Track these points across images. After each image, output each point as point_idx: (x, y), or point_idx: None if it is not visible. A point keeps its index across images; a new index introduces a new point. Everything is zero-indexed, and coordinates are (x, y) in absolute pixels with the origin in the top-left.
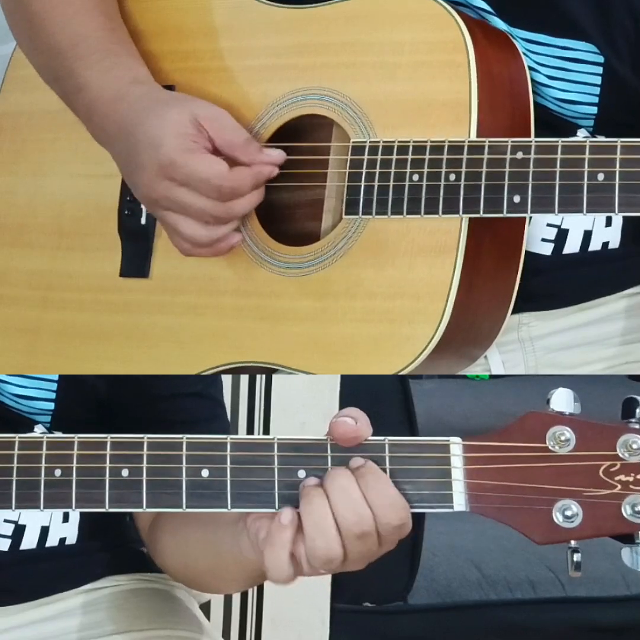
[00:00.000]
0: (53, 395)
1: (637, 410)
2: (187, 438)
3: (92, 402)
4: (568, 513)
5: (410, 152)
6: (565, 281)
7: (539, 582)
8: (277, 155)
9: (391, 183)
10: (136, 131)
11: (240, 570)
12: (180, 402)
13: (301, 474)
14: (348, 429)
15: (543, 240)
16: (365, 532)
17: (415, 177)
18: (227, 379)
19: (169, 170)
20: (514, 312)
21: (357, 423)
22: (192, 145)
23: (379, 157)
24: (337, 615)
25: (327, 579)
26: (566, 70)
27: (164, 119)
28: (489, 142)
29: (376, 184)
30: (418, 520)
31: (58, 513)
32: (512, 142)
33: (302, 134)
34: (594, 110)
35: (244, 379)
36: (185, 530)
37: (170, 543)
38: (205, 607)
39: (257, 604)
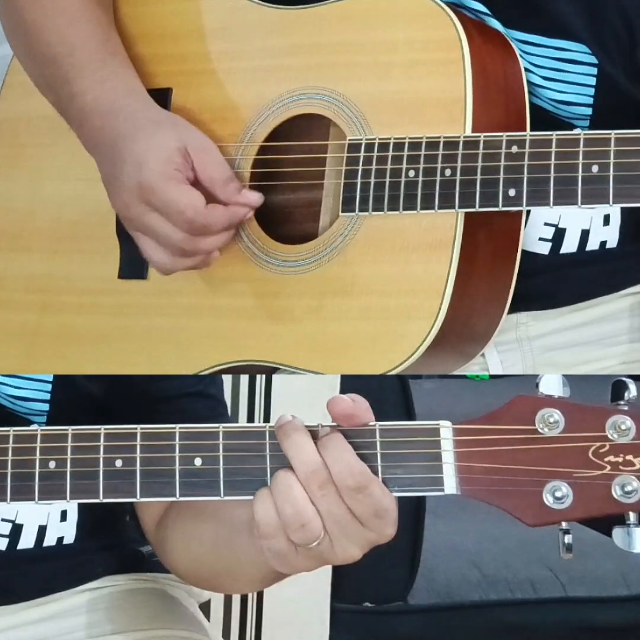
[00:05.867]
0: (48, 396)
1: (626, 393)
2: (180, 428)
3: (87, 403)
4: (558, 494)
5: (406, 149)
6: (562, 281)
7: (539, 582)
8: (255, 199)
9: (387, 179)
10: (124, 148)
11: (257, 571)
12: (181, 402)
13: None
14: (346, 406)
15: (540, 239)
16: (324, 480)
17: (411, 173)
18: (227, 379)
19: (147, 194)
20: (512, 311)
21: (354, 403)
22: (175, 173)
23: (375, 154)
24: (337, 615)
25: (327, 579)
26: (561, 71)
27: (152, 142)
28: (484, 136)
29: (372, 180)
30: (417, 520)
31: (56, 512)
32: (507, 136)
33: (298, 134)
34: (588, 111)
35: (244, 379)
36: (197, 531)
37: (181, 543)
38: (205, 607)
39: (257, 604)
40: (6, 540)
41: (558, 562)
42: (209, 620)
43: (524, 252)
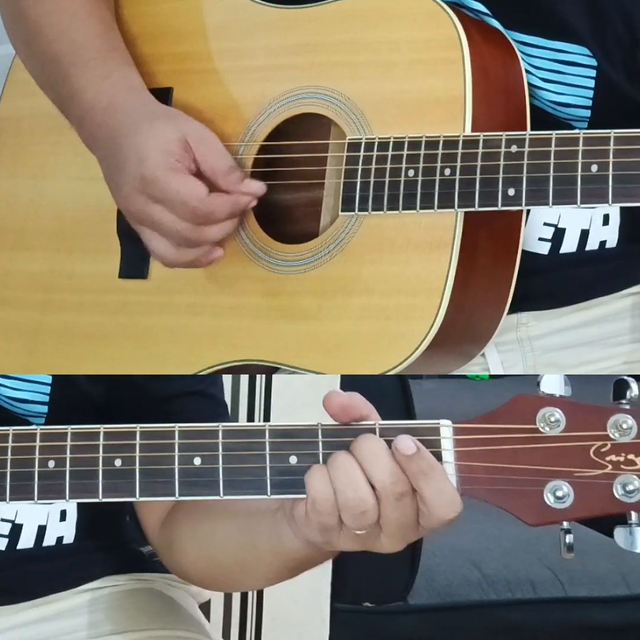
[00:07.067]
0: (46, 398)
1: (628, 392)
2: (179, 427)
3: (86, 404)
4: (559, 494)
5: (405, 148)
6: (562, 281)
7: (539, 582)
8: (258, 187)
9: (387, 179)
10: (124, 142)
11: (276, 561)
12: (181, 402)
13: (292, 460)
14: (341, 399)
15: (540, 239)
16: (403, 492)
17: (411, 173)
18: (227, 379)
19: (149, 186)
20: (512, 312)
21: (350, 395)
22: (175, 164)
23: (375, 153)
24: (337, 615)
25: (327, 579)
26: (560, 73)
27: (152, 134)
28: (484, 136)
29: (372, 180)
30: None
31: (55, 512)
32: (506, 135)
33: (299, 134)
34: (587, 113)
35: (244, 379)
36: (210, 525)
37: (192, 540)
38: (205, 607)
39: (257, 604)
40: (6, 540)
41: (558, 562)
42: (209, 620)
43: (523, 252)
